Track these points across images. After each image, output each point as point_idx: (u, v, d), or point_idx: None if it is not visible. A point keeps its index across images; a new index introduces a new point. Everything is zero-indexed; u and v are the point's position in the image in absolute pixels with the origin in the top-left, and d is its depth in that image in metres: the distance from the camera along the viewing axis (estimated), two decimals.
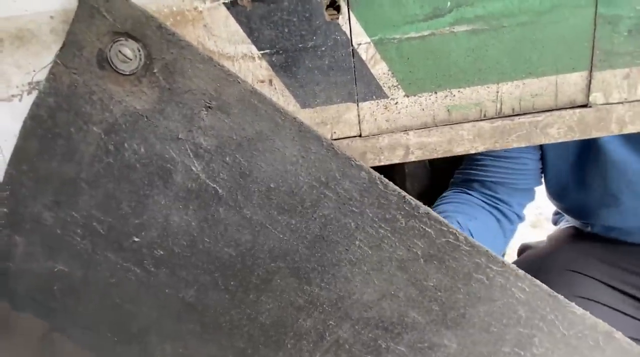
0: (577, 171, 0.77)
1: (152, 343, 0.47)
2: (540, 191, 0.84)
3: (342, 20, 0.40)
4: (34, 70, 0.40)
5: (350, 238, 0.43)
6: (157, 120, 0.41)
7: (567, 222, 0.94)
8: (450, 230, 0.42)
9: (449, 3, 0.40)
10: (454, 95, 0.43)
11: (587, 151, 0.73)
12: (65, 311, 0.46)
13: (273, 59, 0.41)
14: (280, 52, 0.41)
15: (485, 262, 0.42)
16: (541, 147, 0.77)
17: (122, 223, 0.43)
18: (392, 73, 0.42)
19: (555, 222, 1.02)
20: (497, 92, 0.44)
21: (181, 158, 0.42)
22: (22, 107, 0.41)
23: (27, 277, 0.45)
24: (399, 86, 0.43)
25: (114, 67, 0.39)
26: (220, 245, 0.45)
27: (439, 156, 0.45)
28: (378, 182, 0.42)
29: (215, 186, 0.43)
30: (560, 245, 0.90)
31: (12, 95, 0.41)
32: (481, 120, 0.44)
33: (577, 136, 0.45)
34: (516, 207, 0.79)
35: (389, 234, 0.43)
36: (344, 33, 0.41)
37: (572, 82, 0.44)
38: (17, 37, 0.40)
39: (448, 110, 0.44)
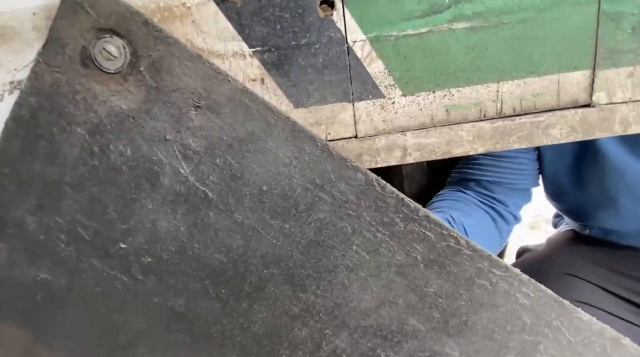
0: (574, 172, 0.76)
1: (140, 355, 0.45)
2: (538, 192, 0.83)
3: (337, 16, 0.39)
4: (16, 69, 0.39)
5: (347, 243, 0.42)
6: (143, 121, 0.39)
7: (567, 225, 0.93)
8: (451, 233, 0.40)
9: None
10: (453, 95, 0.42)
11: (585, 153, 0.73)
12: (49, 321, 0.44)
13: (265, 57, 0.40)
14: (272, 49, 0.39)
15: (488, 266, 0.41)
16: (538, 148, 0.76)
17: (108, 228, 0.41)
18: (389, 72, 0.41)
19: (555, 225, 1.01)
20: (498, 91, 0.42)
21: (169, 160, 0.40)
22: (3, 108, 0.39)
23: (9, 285, 0.43)
24: (396, 85, 0.41)
25: (98, 65, 0.37)
26: (211, 251, 0.43)
27: (438, 158, 0.43)
28: (375, 184, 0.40)
29: (205, 189, 0.41)
30: (558, 248, 0.89)
31: None
32: (481, 120, 0.43)
33: (580, 137, 0.44)
34: (512, 208, 0.78)
35: (387, 238, 0.41)
36: (339, 30, 0.39)
37: (574, 81, 0.43)
38: None
39: (447, 110, 0.43)
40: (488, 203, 0.77)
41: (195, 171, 0.40)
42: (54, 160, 0.39)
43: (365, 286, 0.42)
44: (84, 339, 0.45)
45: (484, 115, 0.43)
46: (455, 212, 0.71)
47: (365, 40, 0.40)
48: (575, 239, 0.87)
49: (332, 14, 0.38)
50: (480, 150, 0.43)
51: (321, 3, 0.38)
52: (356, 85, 0.41)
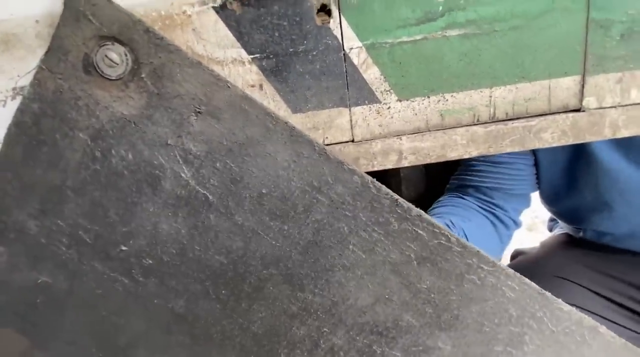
0: (569, 177, 0.77)
1: None
2: (536, 195, 0.85)
3: (334, 24, 0.40)
4: (19, 76, 0.39)
5: (344, 243, 0.43)
6: (145, 126, 0.40)
7: (562, 228, 0.94)
8: (442, 232, 0.41)
9: (440, 7, 0.40)
10: (447, 100, 0.43)
11: (579, 158, 0.74)
12: (48, 325, 0.44)
13: (263, 64, 0.41)
14: (271, 56, 0.40)
15: (477, 262, 0.42)
16: (534, 153, 0.77)
17: (110, 231, 0.42)
18: (385, 78, 0.42)
19: (550, 229, 1.02)
20: (490, 96, 0.43)
21: (170, 164, 0.41)
22: (5, 114, 0.40)
23: (9, 290, 0.43)
24: (392, 91, 0.42)
25: (100, 72, 0.38)
26: (211, 253, 0.44)
27: (433, 161, 0.44)
28: (371, 185, 0.41)
29: (205, 192, 0.42)
30: (551, 252, 0.90)
31: None
32: (474, 124, 0.44)
33: (571, 140, 0.45)
34: (512, 213, 0.79)
35: (382, 238, 0.42)
36: (335, 37, 0.40)
37: (565, 87, 0.44)
38: (2, 42, 0.39)
39: (441, 114, 0.44)
40: (487, 208, 0.77)
41: (196, 175, 0.41)
42: (56, 165, 0.40)
43: (362, 284, 0.43)
44: (83, 342, 0.45)
45: (478, 120, 0.44)
46: (454, 217, 0.72)
47: (361, 47, 0.41)
48: (568, 242, 0.88)
49: (329, 22, 0.39)
50: (474, 153, 0.44)
51: (318, 11, 0.39)
52: (353, 91, 0.42)
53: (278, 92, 0.42)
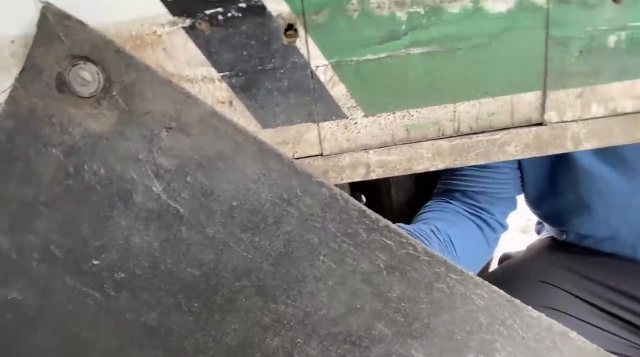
0: (551, 180, 0.79)
1: None
2: None
3: (300, 43, 0.41)
4: None
5: (314, 253, 0.43)
6: (117, 142, 0.41)
7: (547, 232, 0.95)
8: (409, 241, 0.42)
9: (403, 26, 0.42)
10: (412, 115, 0.44)
11: (560, 160, 0.75)
12: (19, 342, 0.44)
13: (233, 81, 0.42)
14: (240, 74, 0.42)
15: (445, 271, 0.43)
16: None
17: (82, 246, 0.43)
18: (351, 94, 0.43)
19: (538, 232, 1.04)
20: (455, 111, 0.45)
21: (142, 179, 0.42)
22: None
23: None
24: (358, 107, 0.44)
25: (73, 91, 0.39)
26: (183, 265, 0.44)
27: (400, 174, 0.45)
28: (339, 197, 0.42)
29: (176, 205, 0.43)
30: (536, 255, 0.91)
31: None
32: (440, 138, 0.45)
33: (535, 153, 0.46)
34: (499, 216, 0.80)
35: (351, 248, 0.43)
36: (302, 56, 0.42)
37: (526, 102, 0.45)
38: None
39: (407, 129, 0.45)
40: (474, 212, 0.79)
41: (167, 189, 0.42)
42: (29, 180, 0.41)
43: (333, 294, 0.44)
44: None
45: (442, 134, 0.45)
46: (439, 223, 0.73)
47: (327, 65, 0.42)
48: (552, 246, 0.89)
49: (295, 42, 0.41)
50: (440, 166, 0.45)
51: (285, 31, 0.41)
52: (320, 107, 0.43)
53: (248, 109, 0.43)
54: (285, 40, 0.41)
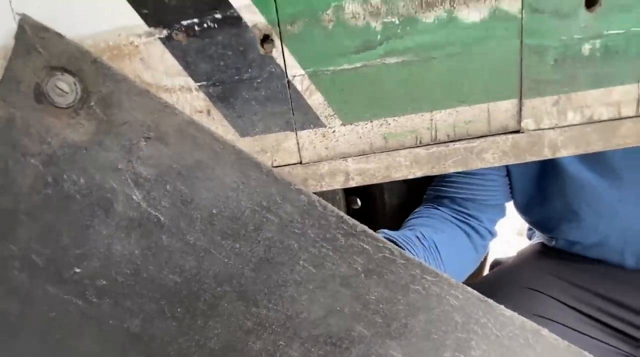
0: (539, 186, 0.79)
1: None
2: None
3: (276, 53, 0.42)
4: None
5: (294, 258, 0.44)
6: (95, 152, 0.41)
7: (538, 237, 0.96)
8: (386, 245, 0.44)
9: (379, 36, 0.42)
10: (390, 124, 0.45)
11: (548, 167, 0.76)
12: (1, 352, 0.45)
13: (210, 91, 0.42)
14: (217, 84, 0.42)
15: (420, 273, 0.44)
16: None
17: (62, 254, 0.43)
18: (328, 103, 0.44)
19: (529, 237, 1.04)
20: (432, 119, 0.45)
21: (121, 188, 0.42)
22: None
23: None
24: (335, 115, 0.44)
25: (51, 101, 0.40)
26: (165, 272, 0.45)
27: (379, 181, 0.46)
28: (317, 204, 0.43)
29: (157, 213, 0.43)
30: (526, 261, 0.91)
31: None
32: (417, 146, 0.45)
33: (512, 161, 0.47)
34: (487, 223, 0.81)
35: (330, 253, 0.44)
36: (279, 66, 0.42)
37: (503, 109, 0.46)
38: None
39: (384, 137, 0.45)
40: (462, 219, 0.79)
41: (147, 197, 0.43)
42: (9, 190, 0.41)
43: (314, 298, 0.45)
44: None
45: (420, 142, 0.46)
46: (425, 229, 0.74)
47: (304, 74, 0.42)
48: (542, 252, 0.90)
49: (271, 52, 0.41)
50: (418, 174, 0.46)
51: (261, 41, 0.41)
52: (298, 115, 0.44)
53: (225, 118, 0.43)
54: (261, 51, 0.41)
